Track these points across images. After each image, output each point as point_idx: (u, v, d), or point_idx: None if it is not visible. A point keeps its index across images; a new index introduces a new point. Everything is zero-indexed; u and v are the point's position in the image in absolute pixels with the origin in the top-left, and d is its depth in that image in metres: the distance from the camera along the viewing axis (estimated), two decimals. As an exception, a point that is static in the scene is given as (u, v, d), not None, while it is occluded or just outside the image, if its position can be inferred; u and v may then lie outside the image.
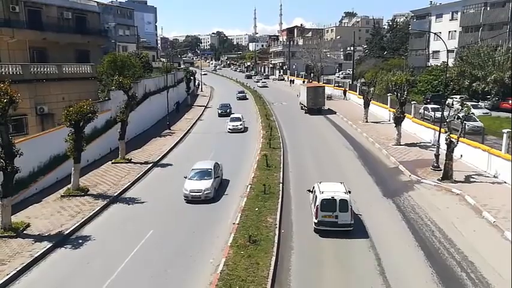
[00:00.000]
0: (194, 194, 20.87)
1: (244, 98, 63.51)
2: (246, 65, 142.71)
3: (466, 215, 18.88)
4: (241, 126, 38.84)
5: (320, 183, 18.25)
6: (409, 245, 16.19)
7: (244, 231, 16.66)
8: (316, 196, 17.28)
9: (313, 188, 18.37)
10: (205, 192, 20.88)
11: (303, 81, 77.48)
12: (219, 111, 48.24)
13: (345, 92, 60.47)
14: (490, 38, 48.61)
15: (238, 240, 16.05)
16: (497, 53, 44.83)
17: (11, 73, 25.32)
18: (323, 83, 67.98)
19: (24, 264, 14.70)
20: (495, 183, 22.40)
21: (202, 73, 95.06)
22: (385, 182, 24.00)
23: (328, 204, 16.41)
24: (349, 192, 17.36)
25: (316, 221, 16.71)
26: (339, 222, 16.44)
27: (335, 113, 47.59)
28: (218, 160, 24.58)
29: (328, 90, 63.43)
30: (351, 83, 62.09)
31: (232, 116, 41.43)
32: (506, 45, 45.44)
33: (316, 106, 47.98)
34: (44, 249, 15.82)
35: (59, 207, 20.17)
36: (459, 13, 58.54)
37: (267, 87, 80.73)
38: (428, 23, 64.30)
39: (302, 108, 50.59)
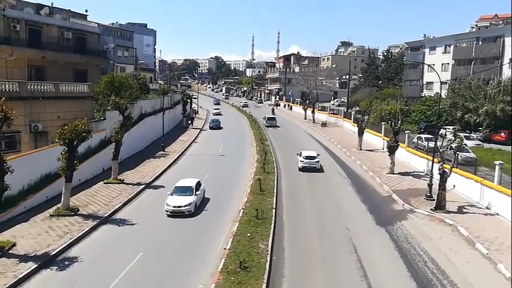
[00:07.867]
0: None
1: None
2: (242, 90, 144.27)
3: (459, 246, 18.76)
4: None
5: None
6: (401, 275, 15.98)
7: (235, 257, 16.36)
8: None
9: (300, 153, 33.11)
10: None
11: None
12: None
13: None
14: (482, 71, 49.68)
15: (229, 265, 15.75)
16: (489, 86, 45.73)
17: (7, 90, 25.35)
18: (318, 110, 68.73)
19: (7, 286, 14.24)
20: (488, 214, 22.39)
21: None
22: (378, 210, 23.91)
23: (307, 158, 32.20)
24: (318, 155, 33.63)
25: (300, 166, 32.70)
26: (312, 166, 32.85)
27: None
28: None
29: (323, 117, 64.50)
30: (345, 110, 62.79)
31: None
32: (498, 79, 46.43)
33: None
34: (29, 270, 15.39)
35: (47, 226, 19.77)
36: (452, 46, 60.04)
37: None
38: (422, 55, 65.74)
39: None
